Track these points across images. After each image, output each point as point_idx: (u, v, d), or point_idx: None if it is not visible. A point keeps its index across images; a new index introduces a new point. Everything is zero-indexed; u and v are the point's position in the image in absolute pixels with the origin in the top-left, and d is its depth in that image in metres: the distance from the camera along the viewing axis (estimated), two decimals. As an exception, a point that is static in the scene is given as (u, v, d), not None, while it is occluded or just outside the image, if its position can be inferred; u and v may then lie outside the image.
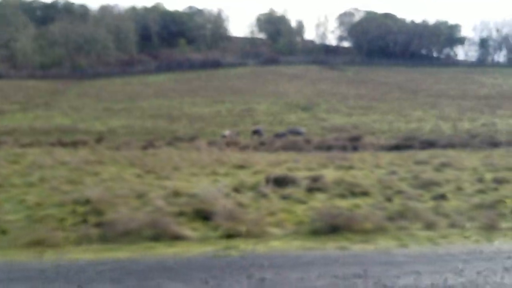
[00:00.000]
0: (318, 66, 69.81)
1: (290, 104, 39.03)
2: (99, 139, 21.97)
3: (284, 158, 14.35)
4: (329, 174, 10.39)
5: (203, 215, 6.75)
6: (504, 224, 6.46)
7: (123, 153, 16.34)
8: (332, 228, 5.89)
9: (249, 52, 75.33)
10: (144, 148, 18.65)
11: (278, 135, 22.67)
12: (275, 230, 6.15)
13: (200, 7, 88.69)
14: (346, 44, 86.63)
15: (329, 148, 17.66)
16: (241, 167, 11.99)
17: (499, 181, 9.48)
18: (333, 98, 43.05)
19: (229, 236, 5.87)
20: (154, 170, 11.33)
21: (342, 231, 5.90)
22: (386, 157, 15.07)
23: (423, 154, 15.26)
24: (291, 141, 19.96)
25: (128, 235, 5.75)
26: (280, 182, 8.80)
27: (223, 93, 46.04)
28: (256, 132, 23.59)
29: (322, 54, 77.33)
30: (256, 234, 5.84)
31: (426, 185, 9.09)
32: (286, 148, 18.07)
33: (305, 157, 14.98)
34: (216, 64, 67.53)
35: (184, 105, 38.94)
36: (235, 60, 70.01)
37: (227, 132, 22.75)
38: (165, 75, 61.00)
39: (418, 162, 13.03)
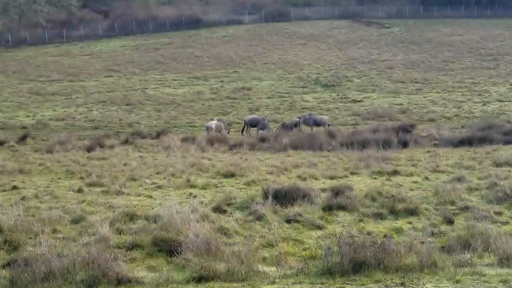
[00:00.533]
0: (349, 22, 69.60)
1: (306, 80, 39.04)
2: (23, 137, 22.20)
3: (294, 160, 14.48)
4: (361, 184, 10.69)
5: (167, 248, 6.84)
6: None
7: (57, 157, 16.64)
8: (356, 265, 5.90)
9: (243, 3, 75.11)
10: (89, 149, 19.08)
11: (287, 126, 22.89)
12: (270, 270, 6.18)
13: None
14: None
15: (363, 144, 17.46)
16: (229, 175, 12.31)
17: None
18: (371, 68, 42.98)
19: (201, 278, 5.88)
20: (101, 182, 11.80)
21: (371, 269, 5.90)
22: (451, 156, 15.38)
23: (507, 151, 15.50)
24: (306, 135, 20.03)
25: (51, 279, 5.73)
26: (284, 197, 8.97)
27: (205, 65, 46.06)
28: (252, 124, 23.84)
29: (354, 4, 77.08)
30: (241, 275, 5.87)
31: (509, 197, 9.21)
32: (298, 145, 18.03)
33: (326, 158, 15.11)
34: (195, 23, 67.42)
35: (149, 85, 39.03)
36: (223, 17, 69.84)
37: (213, 123, 23.06)
38: (119, 40, 60.99)
39: (499, 163, 13.21)
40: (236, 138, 21.49)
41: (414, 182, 11.40)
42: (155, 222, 7.81)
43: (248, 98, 33.82)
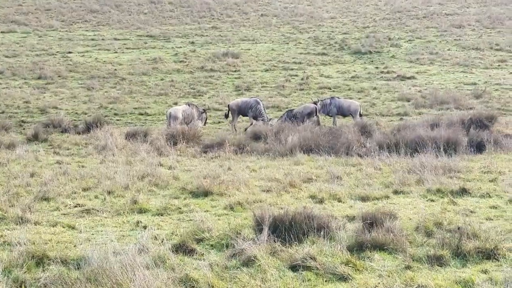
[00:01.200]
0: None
1: (326, 43, 34.52)
2: None
3: (305, 171, 12.80)
4: (410, 209, 9.45)
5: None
6: None
7: None
8: None
9: None
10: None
11: (295, 116, 20.17)
12: None
13: None
14: None
15: (415, 146, 15.43)
16: (201, 193, 10.69)
17: None
18: (428, 27, 37.53)
19: None
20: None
21: None
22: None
23: None
24: (325, 130, 18.12)
25: None
26: (289, 229, 7.91)
27: (167, 17, 40.18)
28: (241, 110, 20.80)
29: None
30: None
31: None
32: (312, 146, 15.90)
33: (356, 168, 13.30)
34: None
35: (74, 46, 33.87)
36: None
37: (178, 110, 19.94)
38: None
39: None
40: (215, 134, 18.56)
41: (493, 207, 9.63)
42: (78, 269, 6.63)
43: (235, 71, 29.68)
